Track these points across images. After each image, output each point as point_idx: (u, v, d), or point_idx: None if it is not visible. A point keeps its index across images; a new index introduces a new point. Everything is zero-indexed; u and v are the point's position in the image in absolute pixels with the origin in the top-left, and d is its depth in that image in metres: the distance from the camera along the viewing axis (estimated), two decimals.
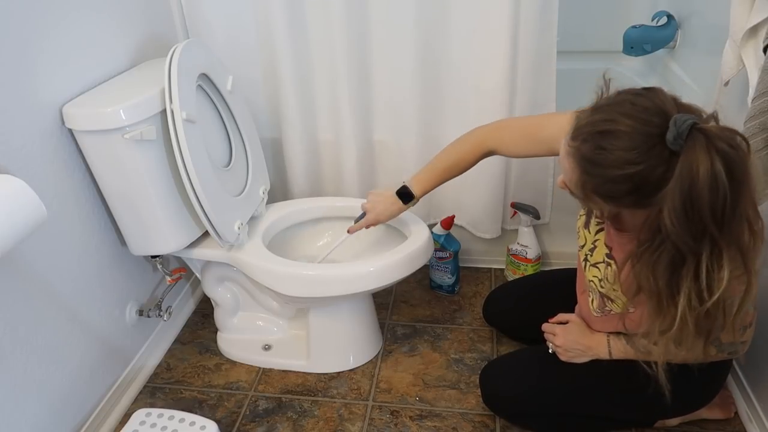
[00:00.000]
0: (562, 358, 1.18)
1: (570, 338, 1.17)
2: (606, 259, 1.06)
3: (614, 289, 1.03)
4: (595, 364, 1.17)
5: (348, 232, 1.38)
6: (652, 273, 0.80)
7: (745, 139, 0.74)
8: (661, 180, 0.74)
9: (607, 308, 1.09)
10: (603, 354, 1.13)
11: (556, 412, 1.23)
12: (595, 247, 1.09)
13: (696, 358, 1.00)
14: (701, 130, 0.71)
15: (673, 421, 1.27)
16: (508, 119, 1.18)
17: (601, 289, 1.08)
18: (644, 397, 1.09)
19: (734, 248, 0.76)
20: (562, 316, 1.24)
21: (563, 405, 1.21)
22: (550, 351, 1.21)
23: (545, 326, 1.24)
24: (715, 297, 0.76)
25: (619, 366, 1.13)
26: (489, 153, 1.23)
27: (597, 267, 1.08)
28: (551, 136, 1.07)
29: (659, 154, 0.74)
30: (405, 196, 1.30)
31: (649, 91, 0.78)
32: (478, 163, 1.55)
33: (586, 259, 1.12)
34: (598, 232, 1.09)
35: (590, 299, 1.13)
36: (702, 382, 1.10)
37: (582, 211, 1.14)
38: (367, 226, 1.35)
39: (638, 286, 0.84)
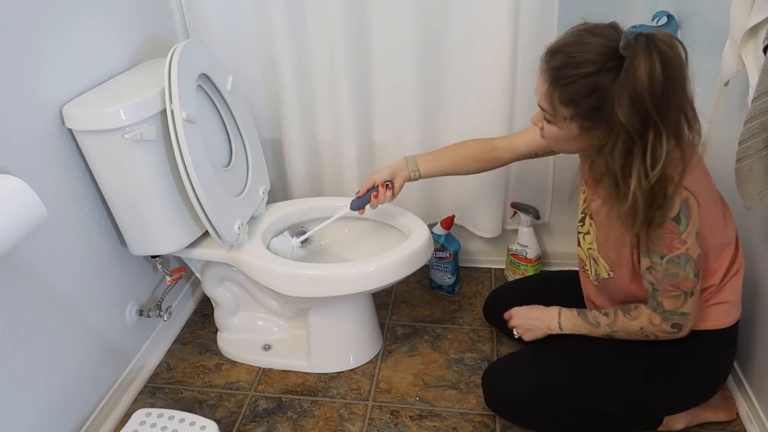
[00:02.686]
0: (525, 337, 1.27)
1: (524, 314, 1.28)
2: (588, 220, 1.16)
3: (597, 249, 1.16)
4: (598, 359, 1.19)
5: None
6: (610, 158, 0.94)
7: (681, 43, 0.89)
8: (611, 86, 0.90)
9: (602, 276, 1.18)
10: (554, 325, 1.22)
11: (558, 410, 1.23)
12: (584, 216, 1.18)
13: (645, 330, 1.09)
14: (644, 36, 0.87)
15: (678, 425, 1.27)
16: None
17: (591, 251, 1.18)
18: (647, 391, 1.16)
19: (672, 136, 0.90)
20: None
21: (565, 402, 1.21)
22: (516, 336, 1.29)
23: (506, 314, 1.32)
24: (658, 169, 0.90)
25: (622, 362, 1.16)
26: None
27: (588, 234, 1.18)
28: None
29: (612, 59, 0.90)
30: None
31: (609, 23, 0.96)
32: None
33: (579, 232, 1.20)
34: (584, 201, 1.18)
35: (589, 272, 1.22)
36: (705, 372, 1.14)
37: (582, 189, 1.19)
38: (371, 187, 1.33)
39: (600, 175, 0.97)
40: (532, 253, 1.72)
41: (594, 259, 1.18)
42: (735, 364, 1.35)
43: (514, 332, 1.29)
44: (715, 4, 1.56)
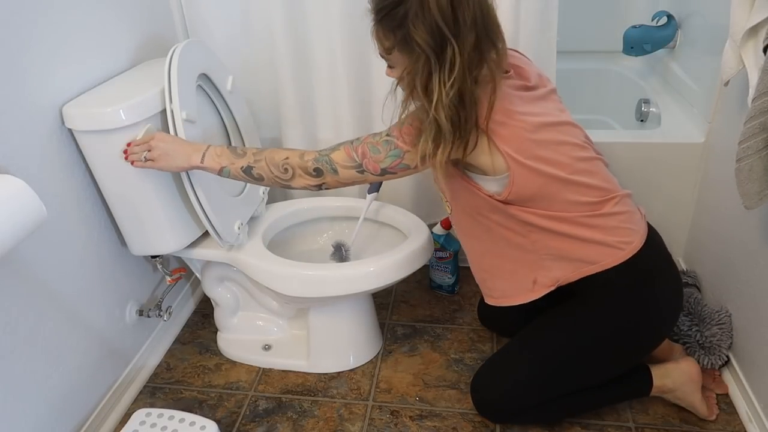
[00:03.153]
0: (156, 164, 1.15)
1: (168, 139, 1.16)
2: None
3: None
4: (558, 339, 1.21)
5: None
6: (413, 83, 0.98)
7: None
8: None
9: (448, 213, 1.24)
10: (196, 157, 1.14)
11: (543, 401, 1.24)
12: None
13: (288, 162, 1.10)
14: None
15: (668, 383, 1.28)
16: None
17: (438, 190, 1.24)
18: (614, 345, 1.18)
19: (473, 52, 0.94)
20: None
21: (546, 391, 1.23)
22: (141, 161, 1.15)
23: (134, 142, 1.16)
24: (455, 76, 0.93)
25: (572, 329, 1.19)
26: None
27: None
28: None
29: None
30: None
31: None
32: None
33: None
34: None
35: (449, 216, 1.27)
36: (643, 303, 1.16)
37: None
38: None
39: (407, 95, 1.02)
40: None
41: (443, 199, 1.23)
42: (735, 364, 1.35)
43: (142, 157, 1.15)
44: (715, 4, 1.56)
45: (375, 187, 1.41)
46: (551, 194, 1.08)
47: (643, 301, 1.15)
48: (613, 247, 1.11)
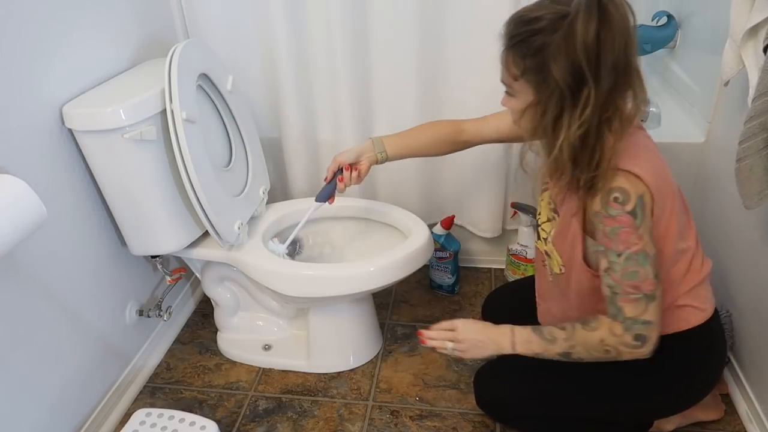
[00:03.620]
0: (467, 354, 1.12)
1: (472, 328, 1.12)
2: (551, 214, 1.12)
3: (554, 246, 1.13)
4: (587, 364, 1.15)
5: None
6: (542, 116, 0.94)
7: (630, 8, 0.88)
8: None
9: (554, 271, 1.14)
10: (506, 344, 1.09)
11: (550, 415, 1.22)
12: (552, 210, 1.14)
13: (606, 343, 1.01)
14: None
15: (669, 426, 1.27)
16: None
17: (545, 247, 1.15)
18: (638, 395, 1.13)
19: (609, 96, 0.89)
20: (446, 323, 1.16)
21: (556, 407, 1.20)
22: (447, 350, 1.12)
23: (435, 327, 1.14)
24: (585, 117, 0.89)
25: (611, 366, 1.12)
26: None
27: (545, 228, 1.15)
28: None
29: (562, 19, 0.87)
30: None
31: None
32: (480, 163, 1.52)
33: (539, 224, 1.17)
34: (543, 191, 1.15)
35: (547, 266, 1.16)
36: (688, 373, 1.12)
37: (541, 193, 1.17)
38: (337, 170, 1.29)
39: (531, 129, 0.98)
40: (532, 253, 1.72)
41: (548, 253, 1.15)
42: (735, 364, 1.35)
43: (447, 347, 1.11)
44: (715, 4, 1.56)
45: (322, 197, 1.30)
46: (667, 265, 1.03)
47: (690, 370, 1.11)
48: (695, 309, 1.08)
